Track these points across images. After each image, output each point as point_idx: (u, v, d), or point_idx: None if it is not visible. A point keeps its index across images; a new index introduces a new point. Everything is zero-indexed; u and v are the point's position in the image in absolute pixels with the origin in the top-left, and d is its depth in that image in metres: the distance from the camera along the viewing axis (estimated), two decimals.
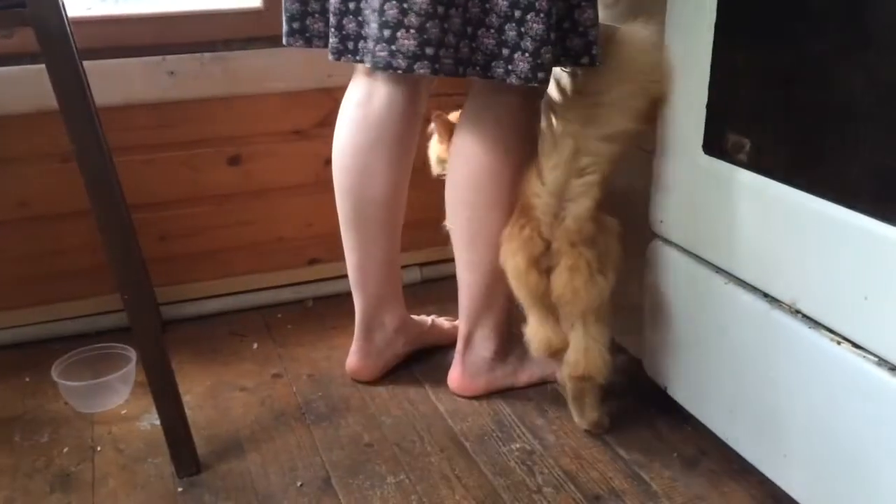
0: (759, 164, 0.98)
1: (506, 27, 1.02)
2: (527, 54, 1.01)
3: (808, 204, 0.91)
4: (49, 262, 1.45)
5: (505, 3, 1.01)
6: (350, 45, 1.08)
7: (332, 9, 1.07)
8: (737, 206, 1.02)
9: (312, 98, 1.52)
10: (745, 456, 1.08)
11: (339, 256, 1.63)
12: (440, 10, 1.00)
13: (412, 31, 1.00)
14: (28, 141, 1.37)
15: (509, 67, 1.03)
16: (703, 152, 1.06)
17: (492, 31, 1.03)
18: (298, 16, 1.13)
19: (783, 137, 0.95)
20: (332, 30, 1.08)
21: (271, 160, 1.53)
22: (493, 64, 1.04)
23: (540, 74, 1.02)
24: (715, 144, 1.04)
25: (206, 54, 1.44)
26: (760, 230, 0.98)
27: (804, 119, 0.91)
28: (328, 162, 1.56)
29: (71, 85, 0.97)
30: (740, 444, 1.08)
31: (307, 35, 1.14)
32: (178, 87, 1.43)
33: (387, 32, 1.01)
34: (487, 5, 1.02)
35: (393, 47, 1.01)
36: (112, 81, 1.39)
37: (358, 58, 1.09)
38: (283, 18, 1.14)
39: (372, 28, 1.04)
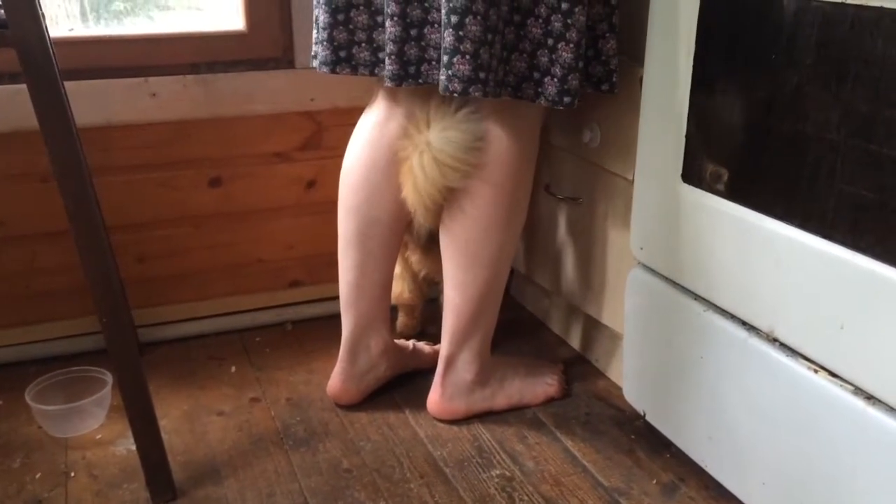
0: (737, 194, 1.00)
1: (538, 53, 1.10)
2: (555, 79, 1.09)
3: (785, 234, 0.92)
4: (25, 284, 1.43)
5: (539, 31, 1.08)
6: (412, 69, 1.13)
7: (390, 37, 1.10)
8: (715, 234, 1.03)
9: (295, 121, 1.52)
10: (724, 483, 1.08)
11: (320, 279, 1.64)
12: (489, 36, 1.06)
13: (468, 56, 1.05)
14: (6, 161, 1.36)
15: (539, 90, 1.11)
16: (681, 181, 1.07)
17: (524, 55, 1.11)
18: (346, 45, 1.16)
19: (761, 168, 0.96)
20: (392, 57, 1.11)
21: (252, 182, 1.53)
22: (523, 85, 1.12)
23: (566, 99, 1.10)
24: (694, 173, 1.06)
25: (189, 76, 1.44)
26: (738, 259, 1.00)
27: (781, 150, 0.92)
28: (310, 185, 1.57)
29: (52, 106, 0.96)
30: (719, 471, 1.09)
31: (353, 63, 1.17)
32: (160, 109, 1.43)
33: (445, 58, 1.07)
34: (522, 32, 1.10)
35: (450, 72, 1.07)
36: (93, 102, 1.38)
37: (420, 81, 1.14)
38: (325, 48, 1.16)
39: (439, 54, 1.10)
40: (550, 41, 1.08)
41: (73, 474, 1.17)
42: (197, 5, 1.54)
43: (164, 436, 1.12)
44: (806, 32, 0.87)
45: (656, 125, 1.11)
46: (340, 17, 1.15)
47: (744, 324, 1.01)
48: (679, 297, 1.11)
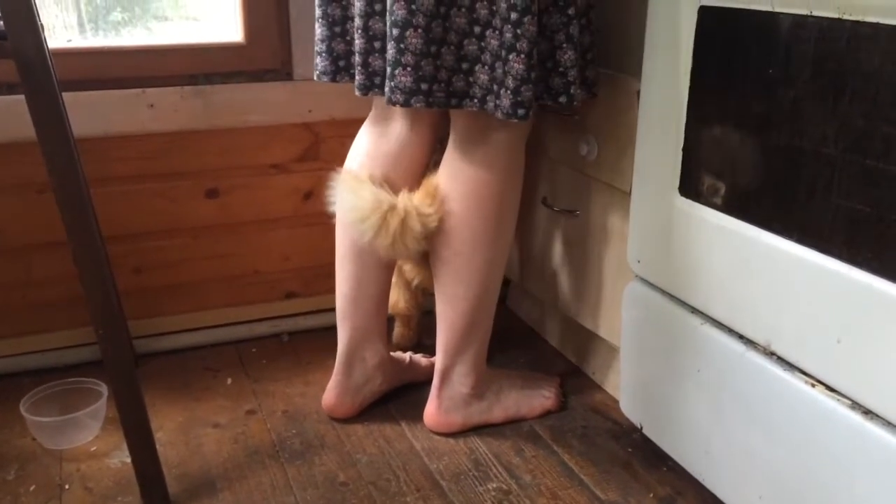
0: (735, 208, 1.00)
1: (496, 65, 1.08)
2: (509, 91, 1.07)
3: (782, 247, 0.92)
4: (21, 294, 1.43)
5: (496, 42, 1.07)
6: (377, 80, 1.14)
7: (357, 49, 1.14)
8: (712, 248, 1.03)
9: (292, 133, 1.52)
10: (721, 497, 1.08)
11: (316, 291, 1.64)
12: (433, 49, 1.07)
13: (409, 69, 1.07)
14: (3, 171, 1.36)
15: (497, 102, 1.09)
16: (679, 194, 1.07)
17: (486, 67, 1.10)
18: (344, 55, 1.19)
19: (757, 181, 0.96)
20: (359, 68, 1.14)
21: (249, 194, 1.53)
22: (487, 97, 1.11)
23: (520, 111, 1.07)
24: (691, 187, 1.06)
25: (187, 87, 1.44)
26: (735, 272, 1.00)
27: (778, 164, 0.93)
28: (307, 196, 1.57)
29: (50, 117, 0.96)
30: (716, 485, 1.08)
31: (352, 72, 1.19)
32: (158, 120, 1.43)
33: (389, 70, 1.08)
34: (483, 43, 1.09)
35: (392, 83, 1.08)
36: (91, 113, 1.38)
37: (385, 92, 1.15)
38: (324, 59, 1.19)
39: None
40: (504, 52, 1.06)
41: (67, 487, 1.17)
42: (195, 15, 1.55)
43: (159, 448, 1.11)
44: (803, 47, 0.87)
45: (654, 138, 1.11)
46: (337, 29, 1.17)
47: (741, 337, 1.01)
48: (676, 311, 1.11)
